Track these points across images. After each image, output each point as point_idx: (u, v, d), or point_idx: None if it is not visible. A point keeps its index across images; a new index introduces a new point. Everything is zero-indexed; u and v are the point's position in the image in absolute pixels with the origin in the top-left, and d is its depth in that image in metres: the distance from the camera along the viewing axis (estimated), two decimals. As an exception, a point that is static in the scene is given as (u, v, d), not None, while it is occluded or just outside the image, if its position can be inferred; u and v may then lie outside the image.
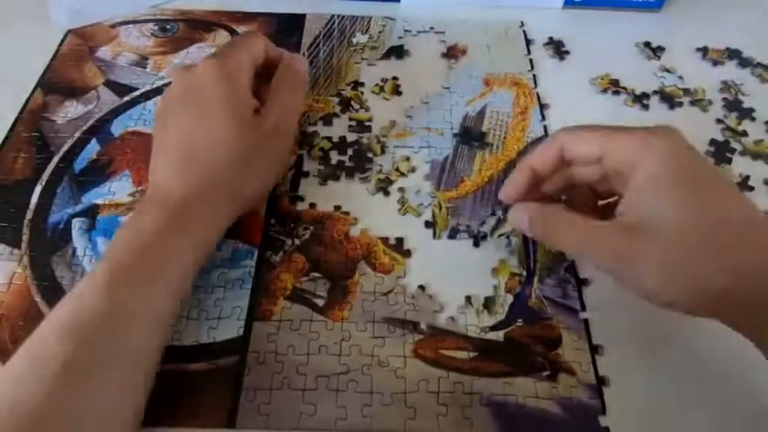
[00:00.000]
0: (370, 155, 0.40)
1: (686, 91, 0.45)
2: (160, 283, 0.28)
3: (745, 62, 0.47)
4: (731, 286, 0.24)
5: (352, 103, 0.43)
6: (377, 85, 0.45)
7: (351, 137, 0.41)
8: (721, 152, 0.41)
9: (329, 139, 0.41)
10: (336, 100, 0.44)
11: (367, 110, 0.43)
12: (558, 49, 0.48)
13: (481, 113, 0.43)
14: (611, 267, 0.27)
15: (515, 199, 0.32)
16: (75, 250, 0.35)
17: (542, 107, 0.44)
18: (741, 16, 0.50)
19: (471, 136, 0.42)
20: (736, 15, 0.50)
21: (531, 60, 0.47)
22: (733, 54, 0.48)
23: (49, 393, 0.24)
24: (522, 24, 0.50)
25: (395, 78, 0.45)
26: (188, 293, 0.31)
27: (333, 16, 0.50)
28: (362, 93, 0.44)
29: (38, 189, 0.38)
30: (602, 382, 0.31)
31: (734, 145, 0.41)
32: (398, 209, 0.37)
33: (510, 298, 0.34)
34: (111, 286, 0.27)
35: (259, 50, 0.35)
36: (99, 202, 0.37)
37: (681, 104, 0.44)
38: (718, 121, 0.43)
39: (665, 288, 0.25)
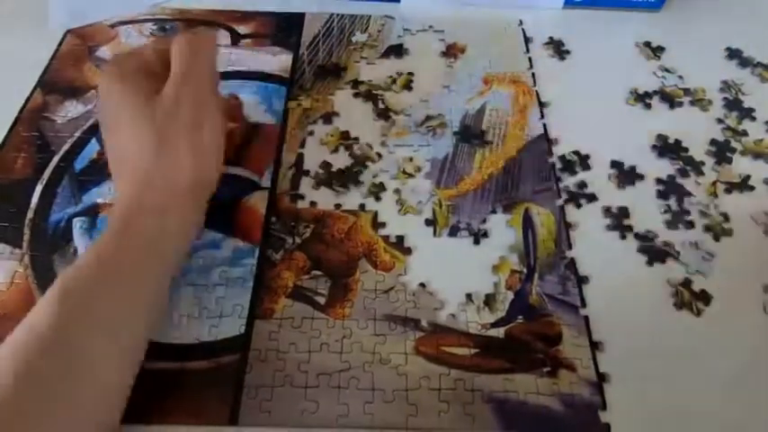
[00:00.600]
0: (368, 163, 0.40)
1: (686, 91, 0.45)
2: (116, 290, 0.28)
3: (745, 62, 0.47)
4: None
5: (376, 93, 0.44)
6: (390, 77, 0.45)
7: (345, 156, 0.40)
8: (722, 152, 0.41)
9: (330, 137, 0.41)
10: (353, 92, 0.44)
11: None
12: (558, 48, 0.48)
13: (481, 112, 0.43)
14: None
15: None
16: (76, 249, 0.35)
17: (541, 105, 0.44)
18: (741, 16, 0.51)
19: (471, 134, 0.42)
20: (736, 15, 0.51)
21: (530, 59, 0.47)
22: (733, 54, 0.48)
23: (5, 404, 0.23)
24: (521, 23, 0.50)
25: (410, 74, 0.45)
26: (157, 299, 0.30)
27: (332, 15, 0.50)
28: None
29: (38, 189, 0.38)
30: (602, 378, 0.31)
31: (734, 145, 0.41)
32: (398, 210, 0.38)
33: (510, 295, 0.34)
34: (64, 298, 0.26)
35: (160, 43, 0.34)
36: (100, 201, 0.38)
37: (681, 104, 0.44)
38: (719, 120, 0.43)
39: None
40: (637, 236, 0.36)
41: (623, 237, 0.36)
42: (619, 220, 0.37)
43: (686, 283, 0.34)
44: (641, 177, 0.40)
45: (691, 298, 0.34)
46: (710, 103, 0.44)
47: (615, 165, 0.40)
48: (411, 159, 0.40)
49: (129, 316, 0.28)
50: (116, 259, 0.28)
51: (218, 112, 0.33)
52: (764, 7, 0.51)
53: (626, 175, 0.40)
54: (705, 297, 0.34)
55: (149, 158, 0.31)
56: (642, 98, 0.44)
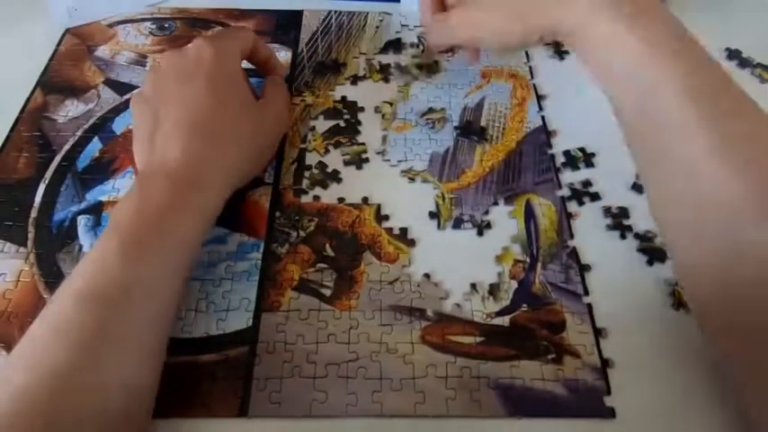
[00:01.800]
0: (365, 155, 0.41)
1: None
2: (172, 253, 0.29)
3: (745, 62, 0.47)
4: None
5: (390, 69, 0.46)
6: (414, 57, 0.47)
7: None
8: None
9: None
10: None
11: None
12: (557, 48, 0.48)
13: (480, 105, 0.44)
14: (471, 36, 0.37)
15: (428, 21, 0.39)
16: (81, 247, 0.35)
17: (539, 98, 0.44)
18: (741, 16, 0.51)
19: (471, 128, 0.42)
20: (737, 15, 0.51)
21: (527, 52, 0.48)
22: (733, 54, 0.48)
23: (71, 360, 0.24)
24: (518, 17, 0.50)
25: (435, 62, 0.47)
26: (196, 261, 0.32)
27: (330, 12, 0.50)
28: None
29: (41, 188, 0.38)
30: (606, 363, 0.31)
31: None
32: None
33: (514, 284, 0.34)
34: (126, 256, 0.27)
35: (248, 40, 0.37)
36: (103, 199, 0.38)
37: None
38: None
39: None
40: (637, 235, 0.37)
41: (623, 237, 0.37)
42: (619, 219, 0.37)
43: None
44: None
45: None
46: None
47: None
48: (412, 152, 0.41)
49: (182, 282, 0.30)
50: (172, 218, 0.29)
51: (289, 122, 0.39)
52: (764, 7, 0.52)
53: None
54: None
55: (232, 140, 0.33)
56: None
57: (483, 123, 0.43)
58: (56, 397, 0.24)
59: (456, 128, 0.42)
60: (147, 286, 0.27)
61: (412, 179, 0.39)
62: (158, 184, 0.29)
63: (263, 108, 0.36)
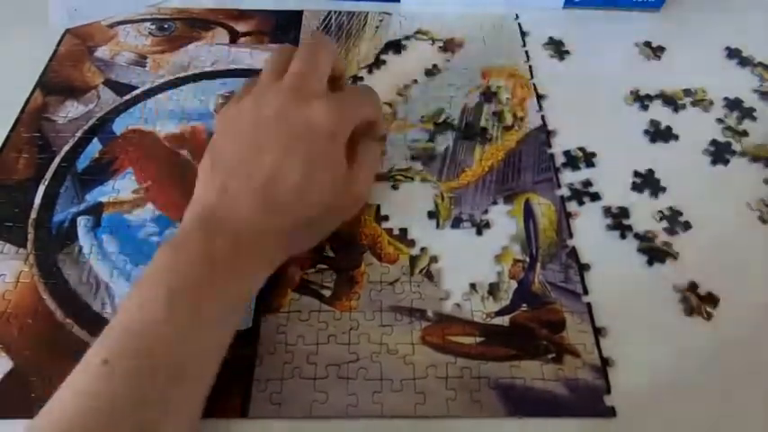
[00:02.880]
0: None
1: (687, 91, 0.45)
2: (221, 312, 0.27)
3: (745, 62, 0.47)
4: None
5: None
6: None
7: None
8: (721, 152, 0.41)
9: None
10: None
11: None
12: (558, 48, 0.48)
13: (479, 105, 0.44)
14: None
15: None
16: (81, 248, 0.35)
17: (539, 98, 0.44)
18: (741, 16, 0.51)
19: (471, 127, 0.42)
20: (737, 15, 0.51)
21: (526, 52, 0.48)
22: (733, 54, 0.48)
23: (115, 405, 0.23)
24: (517, 17, 0.50)
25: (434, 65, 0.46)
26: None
27: (330, 12, 0.50)
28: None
29: (41, 189, 0.38)
30: (606, 362, 0.31)
31: (735, 147, 0.41)
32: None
33: (514, 284, 0.34)
34: (175, 309, 0.25)
35: (372, 107, 0.34)
36: (103, 200, 0.38)
37: (682, 105, 0.44)
38: (719, 120, 0.43)
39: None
40: (636, 235, 0.37)
41: (623, 237, 0.37)
42: (619, 219, 0.37)
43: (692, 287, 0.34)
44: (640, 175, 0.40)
45: (698, 302, 0.34)
46: (711, 103, 0.44)
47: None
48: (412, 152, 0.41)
49: (231, 313, 0.28)
50: (227, 279, 0.27)
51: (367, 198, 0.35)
52: (764, 7, 0.51)
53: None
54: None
55: (309, 221, 0.30)
56: (642, 99, 0.44)
57: (483, 123, 0.43)
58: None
59: (455, 127, 0.42)
60: (193, 339, 0.25)
61: (411, 179, 0.39)
62: (221, 241, 0.27)
63: (352, 186, 0.31)
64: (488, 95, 0.44)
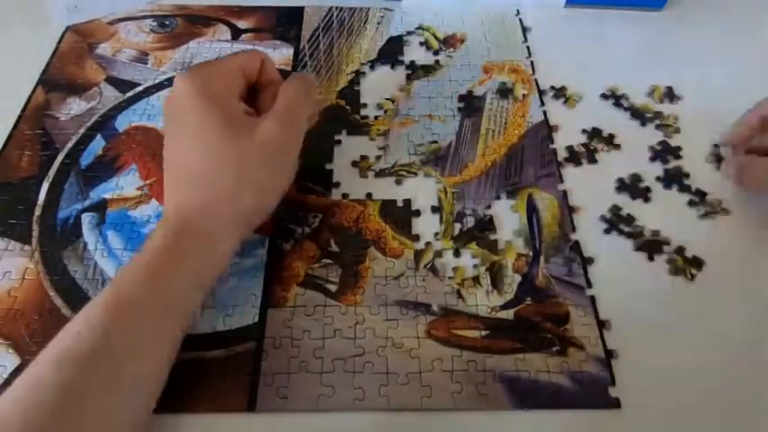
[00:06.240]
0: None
1: (687, 91, 0.45)
2: (164, 308, 0.28)
3: (745, 61, 0.47)
4: None
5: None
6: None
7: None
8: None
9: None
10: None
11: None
12: (558, 48, 0.48)
13: (482, 100, 0.44)
14: None
15: (736, 141, 0.39)
16: (86, 245, 0.35)
17: (541, 93, 0.45)
18: (742, 16, 0.50)
19: (473, 123, 0.42)
20: (738, 15, 0.51)
21: (528, 48, 0.48)
22: (733, 54, 0.47)
23: (41, 419, 0.24)
24: (518, 12, 0.50)
25: (411, 62, 0.46)
26: (195, 313, 0.31)
27: (331, 8, 0.50)
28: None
29: (45, 186, 0.38)
30: (610, 355, 0.32)
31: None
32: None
33: (518, 278, 0.34)
34: (114, 313, 0.26)
35: (250, 61, 0.33)
36: (107, 196, 0.38)
37: (682, 105, 0.44)
38: (719, 120, 0.43)
39: None
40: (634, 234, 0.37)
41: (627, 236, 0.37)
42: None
43: (679, 251, 0.35)
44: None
45: (684, 264, 0.35)
46: (711, 103, 0.44)
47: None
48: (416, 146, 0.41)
49: (175, 335, 0.29)
50: (165, 271, 0.28)
51: (297, 162, 0.34)
52: (765, 7, 0.51)
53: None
54: (697, 262, 0.35)
55: (224, 180, 0.30)
56: (641, 98, 0.44)
57: (485, 116, 0.43)
58: None
59: (458, 123, 0.42)
60: (133, 343, 0.26)
61: (414, 174, 0.39)
62: (157, 235, 0.29)
63: (256, 129, 0.31)
64: (504, 91, 0.44)
